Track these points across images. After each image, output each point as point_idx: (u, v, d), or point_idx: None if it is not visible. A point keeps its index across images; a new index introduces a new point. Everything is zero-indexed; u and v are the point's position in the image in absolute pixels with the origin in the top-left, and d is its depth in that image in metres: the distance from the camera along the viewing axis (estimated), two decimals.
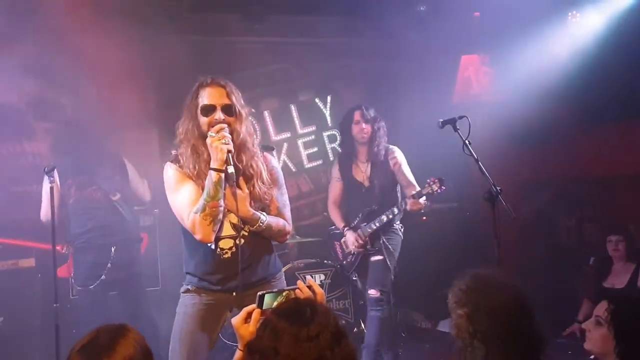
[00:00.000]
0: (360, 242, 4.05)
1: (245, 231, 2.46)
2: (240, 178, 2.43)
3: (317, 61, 5.72)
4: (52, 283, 3.31)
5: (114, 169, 3.90)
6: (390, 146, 4.15)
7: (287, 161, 5.81)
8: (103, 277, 3.68)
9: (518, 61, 5.27)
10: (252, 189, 2.45)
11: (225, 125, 2.35)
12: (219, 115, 2.38)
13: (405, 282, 4.87)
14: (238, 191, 2.37)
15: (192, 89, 2.46)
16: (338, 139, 5.98)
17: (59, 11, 4.31)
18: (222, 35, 5.31)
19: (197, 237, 2.38)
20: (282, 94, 5.84)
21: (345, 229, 4.14)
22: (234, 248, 2.44)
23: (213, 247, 2.44)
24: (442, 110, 4.02)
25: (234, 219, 2.44)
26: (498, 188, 2.93)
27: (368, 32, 5.54)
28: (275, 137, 5.75)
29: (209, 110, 2.39)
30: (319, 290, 1.71)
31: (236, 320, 1.65)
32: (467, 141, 3.10)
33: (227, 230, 2.45)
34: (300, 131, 5.93)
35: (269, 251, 2.60)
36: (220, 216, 2.37)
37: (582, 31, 5.09)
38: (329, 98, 6.01)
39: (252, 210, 2.43)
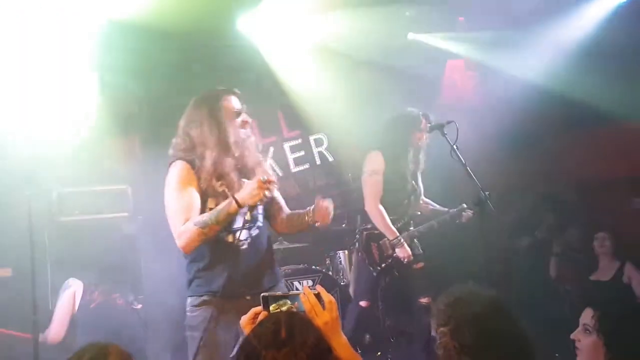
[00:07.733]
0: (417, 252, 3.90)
1: (261, 223, 2.58)
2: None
3: None
4: None
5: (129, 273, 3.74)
6: None
7: (274, 165, 5.77)
8: None
9: (503, 66, 5.30)
10: None
11: (275, 182, 2.42)
12: (244, 117, 2.54)
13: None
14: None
15: (209, 96, 2.55)
16: (325, 142, 5.96)
17: None
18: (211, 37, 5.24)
19: (179, 243, 2.37)
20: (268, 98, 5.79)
21: (400, 235, 3.83)
22: (249, 239, 2.51)
23: (230, 239, 2.48)
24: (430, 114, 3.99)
25: (247, 216, 2.45)
26: (486, 193, 2.93)
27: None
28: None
29: (238, 114, 2.53)
30: (327, 299, 1.58)
31: (243, 319, 1.64)
32: (454, 146, 3.10)
33: (240, 222, 2.47)
34: (286, 135, 5.90)
35: (272, 256, 2.73)
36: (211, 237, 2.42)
37: (565, 36, 5.14)
38: None
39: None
